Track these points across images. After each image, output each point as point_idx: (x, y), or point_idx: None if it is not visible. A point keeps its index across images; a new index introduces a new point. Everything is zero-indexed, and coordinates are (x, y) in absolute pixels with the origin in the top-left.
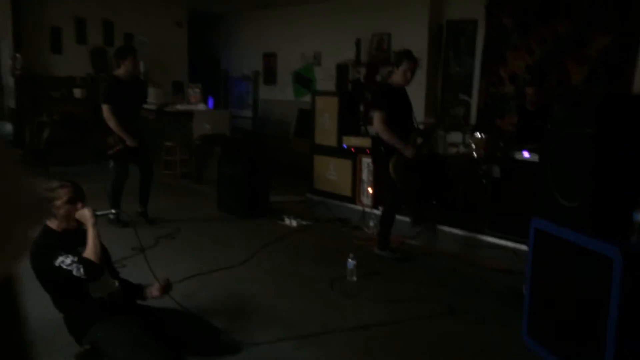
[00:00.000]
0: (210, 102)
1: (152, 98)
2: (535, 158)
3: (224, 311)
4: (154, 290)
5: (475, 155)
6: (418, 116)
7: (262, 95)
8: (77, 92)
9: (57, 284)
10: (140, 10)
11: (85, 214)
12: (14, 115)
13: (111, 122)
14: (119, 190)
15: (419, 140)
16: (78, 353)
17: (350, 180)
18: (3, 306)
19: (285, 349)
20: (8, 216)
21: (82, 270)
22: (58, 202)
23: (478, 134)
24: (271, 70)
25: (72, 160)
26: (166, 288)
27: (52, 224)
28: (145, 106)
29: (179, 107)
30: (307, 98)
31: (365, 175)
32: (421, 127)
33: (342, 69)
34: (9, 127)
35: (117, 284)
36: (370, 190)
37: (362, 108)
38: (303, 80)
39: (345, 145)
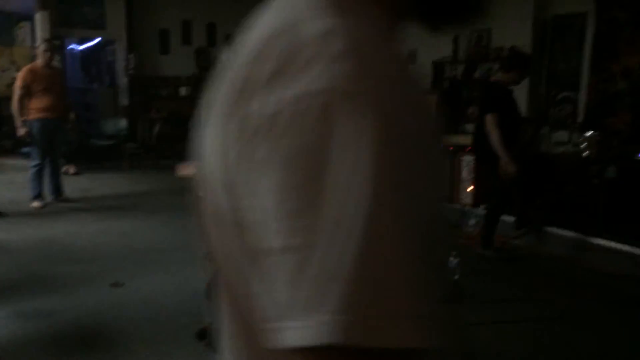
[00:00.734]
0: None
1: None
2: None
3: None
4: None
5: (585, 154)
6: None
7: None
8: (183, 91)
9: None
10: (241, 12)
11: None
12: (127, 112)
13: None
14: None
15: (527, 138)
16: (199, 331)
17: (449, 179)
18: None
19: None
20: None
21: None
22: None
23: (589, 133)
24: None
25: (178, 155)
26: None
27: None
28: None
29: None
30: None
31: (465, 173)
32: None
33: (438, 67)
34: (123, 123)
35: None
36: (470, 188)
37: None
38: None
39: None
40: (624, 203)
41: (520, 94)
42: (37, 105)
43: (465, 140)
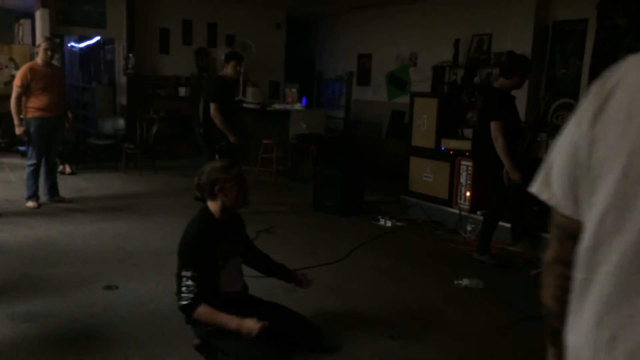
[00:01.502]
0: (304, 101)
1: (251, 97)
2: None
3: (323, 308)
4: (304, 283)
5: None
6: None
7: (355, 96)
8: (182, 91)
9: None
10: (242, 13)
11: (251, 326)
12: (126, 111)
13: (217, 120)
14: None
15: (525, 145)
16: (195, 344)
17: (447, 183)
18: None
19: (388, 349)
20: None
21: (183, 303)
22: (228, 184)
23: None
24: (365, 71)
25: (176, 155)
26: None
27: (214, 206)
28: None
29: (277, 106)
30: (400, 99)
31: (464, 178)
32: None
33: (438, 71)
34: (121, 123)
35: (244, 284)
36: (468, 193)
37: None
38: (397, 82)
39: (443, 148)
40: None
41: (519, 99)
42: (35, 104)
43: (464, 145)
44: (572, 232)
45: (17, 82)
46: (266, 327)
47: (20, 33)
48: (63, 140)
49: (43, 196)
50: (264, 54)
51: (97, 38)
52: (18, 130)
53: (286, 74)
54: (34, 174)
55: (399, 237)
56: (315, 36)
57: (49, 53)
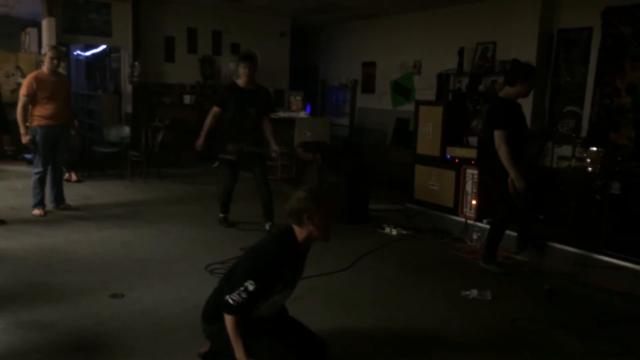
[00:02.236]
0: (308, 109)
1: None
2: None
3: (329, 317)
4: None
5: (589, 169)
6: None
7: (359, 103)
8: (187, 99)
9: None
10: (246, 21)
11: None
12: (131, 119)
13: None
14: (226, 193)
15: (532, 154)
16: (202, 353)
17: (453, 191)
18: None
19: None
20: None
21: (230, 302)
22: (318, 214)
23: (593, 148)
24: (370, 79)
25: (180, 163)
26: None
27: (299, 232)
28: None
29: (281, 114)
30: (405, 107)
31: (469, 186)
32: None
33: (443, 79)
34: (127, 131)
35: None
36: (474, 202)
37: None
38: (402, 90)
39: (448, 156)
40: (627, 219)
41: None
42: (41, 113)
43: (470, 153)
44: None
45: (23, 91)
46: None
47: (27, 41)
48: (69, 148)
49: (49, 204)
50: (268, 62)
51: (103, 46)
52: (24, 139)
53: (291, 81)
54: (40, 182)
55: (404, 246)
56: (320, 44)
57: (54, 61)
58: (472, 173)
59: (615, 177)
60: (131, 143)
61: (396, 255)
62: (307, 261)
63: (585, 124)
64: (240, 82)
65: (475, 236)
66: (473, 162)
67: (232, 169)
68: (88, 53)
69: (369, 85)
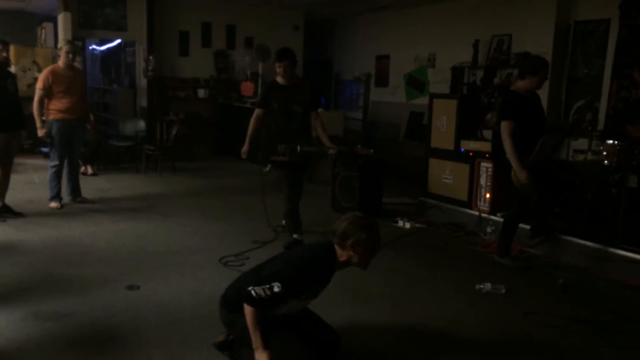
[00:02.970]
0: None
1: None
2: None
3: (341, 310)
4: None
5: (605, 163)
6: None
7: (373, 97)
8: (201, 93)
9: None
10: (260, 15)
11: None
12: (146, 113)
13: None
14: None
15: (548, 147)
16: (216, 342)
17: (467, 185)
18: None
19: (406, 353)
20: None
21: (252, 294)
22: (363, 243)
23: (610, 141)
24: (383, 72)
25: (194, 156)
26: None
27: (340, 253)
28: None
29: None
30: (419, 101)
31: (484, 180)
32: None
33: (457, 72)
34: (142, 124)
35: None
36: (488, 195)
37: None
38: (416, 83)
39: (463, 149)
40: None
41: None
42: (57, 107)
43: (484, 146)
44: None
45: (39, 85)
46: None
47: (43, 36)
48: (85, 141)
49: (66, 197)
50: None
51: (118, 41)
52: (40, 133)
53: (304, 75)
54: (57, 175)
55: (418, 239)
56: (333, 38)
57: (70, 56)
58: (486, 166)
59: (632, 170)
60: (146, 137)
61: (409, 248)
62: None
63: (602, 116)
64: (280, 79)
65: (489, 230)
66: (487, 155)
67: (291, 172)
68: (103, 47)
69: (382, 79)
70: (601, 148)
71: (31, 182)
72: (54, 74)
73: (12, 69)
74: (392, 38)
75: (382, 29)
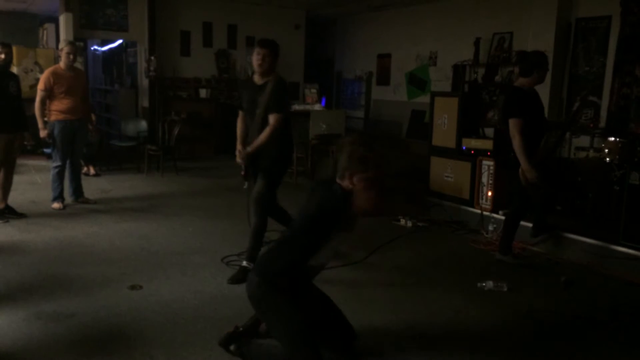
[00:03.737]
0: (323, 101)
1: None
2: None
3: (344, 308)
4: None
5: (607, 160)
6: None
7: (374, 96)
8: (203, 92)
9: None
10: (261, 14)
11: None
12: (148, 113)
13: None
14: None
15: (551, 145)
16: (223, 336)
17: (469, 183)
18: None
19: (408, 351)
20: None
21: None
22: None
23: (612, 138)
24: (385, 71)
25: (196, 156)
26: None
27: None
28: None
29: (297, 106)
30: (420, 99)
31: (485, 178)
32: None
33: (458, 70)
34: (143, 125)
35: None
36: (490, 193)
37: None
38: (417, 81)
39: (464, 147)
40: None
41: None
42: (59, 107)
43: (485, 144)
44: None
45: (40, 86)
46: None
47: (45, 37)
48: (87, 142)
49: (68, 197)
50: (283, 54)
51: (120, 41)
52: (42, 133)
53: (306, 74)
54: (59, 176)
55: (419, 238)
56: (335, 36)
57: (71, 56)
58: (487, 164)
59: (634, 167)
60: (148, 137)
61: (412, 246)
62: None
63: (603, 113)
64: (256, 76)
65: (491, 227)
66: (489, 153)
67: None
68: (105, 48)
69: (384, 77)
70: (603, 145)
71: (34, 183)
72: (55, 74)
73: (14, 70)
74: (393, 36)
75: (383, 27)
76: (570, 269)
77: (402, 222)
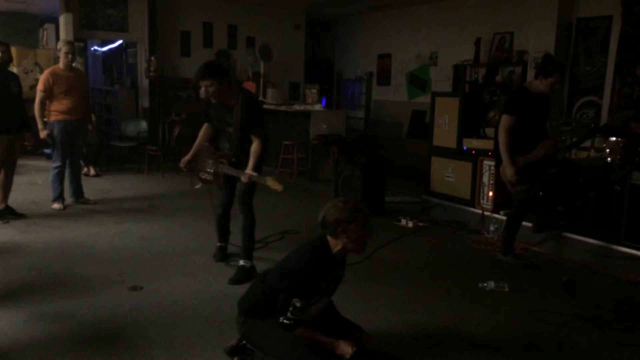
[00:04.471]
0: (323, 102)
1: (272, 98)
2: None
3: (345, 309)
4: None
5: (609, 160)
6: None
7: (375, 96)
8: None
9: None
10: (261, 15)
11: (345, 349)
12: (148, 114)
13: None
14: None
15: (550, 150)
16: (227, 348)
17: (470, 183)
18: None
19: (410, 351)
20: None
21: (286, 323)
22: (353, 226)
23: (613, 138)
24: (385, 71)
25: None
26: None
27: (333, 243)
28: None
29: (297, 107)
30: (421, 99)
31: (486, 178)
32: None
33: (459, 70)
34: (144, 125)
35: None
36: (491, 193)
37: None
38: (418, 81)
39: (465, 147)
40: None
41: None
42: (58, 108)
43: (486, 144)
44: None
45: (40, 87)
46: (356, 351)
47: (45, 38)
48: (87, 142)
49: (68, 198)
50: (283, 55)
51: (120, 42)
52: (42, 134)
53: (306, 74)
54: (59, 176)
55: (420, 238)
56: (335, 37)
57: (69, 56)
58: (488, 164)
59: (635, 167)
60: (148, 137)
61: (413, 247)
62: None
63: (605, 113)
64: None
65: (492, 228)
66: (490, 153)
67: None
68: (105, 48)
69: (384, 77)
70: (604, 145)
71: (34, 183)
72: (54, 75)
73: (14, 70)
74: (393, 36)
75: (384, 27)
76: (571, 269)
77: (403, 222)
